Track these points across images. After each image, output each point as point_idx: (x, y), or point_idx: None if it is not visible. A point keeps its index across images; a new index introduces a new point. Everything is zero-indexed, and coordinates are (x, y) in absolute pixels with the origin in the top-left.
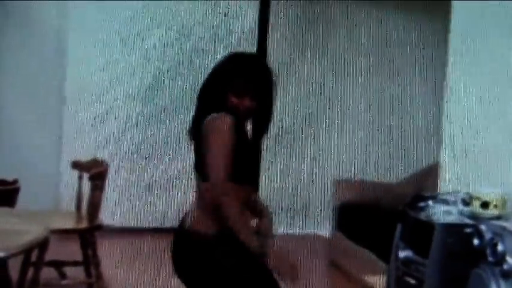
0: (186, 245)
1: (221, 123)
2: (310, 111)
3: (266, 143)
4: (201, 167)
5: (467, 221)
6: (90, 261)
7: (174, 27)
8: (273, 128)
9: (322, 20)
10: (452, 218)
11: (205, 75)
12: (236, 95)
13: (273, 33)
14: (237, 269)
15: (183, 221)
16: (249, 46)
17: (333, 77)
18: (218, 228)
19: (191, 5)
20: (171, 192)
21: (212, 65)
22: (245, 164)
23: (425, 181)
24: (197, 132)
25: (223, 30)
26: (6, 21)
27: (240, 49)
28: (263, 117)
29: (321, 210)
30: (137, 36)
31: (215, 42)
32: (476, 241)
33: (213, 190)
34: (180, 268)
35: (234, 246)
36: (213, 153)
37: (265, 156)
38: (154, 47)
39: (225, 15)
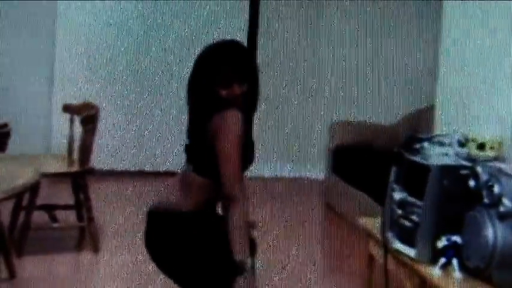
0: (161, 221)
1: (232, 121)
2: (304, 56)
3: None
4: (197, 160)
5: (463, 162)
6: (81, 205)
7: None
8: (265, 74)
9: None
10: (448, 160)
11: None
12: (224, 87)
13: None
14: (207, 246)
15: (159, 202)
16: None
17: (331, 26)
18: (196, 208)
19: None
20: (160, 136)
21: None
22: (247, 149)
23: (419, 122)
24: (201, 131)
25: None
26: None
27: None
28: (252, 97)
29: (315, 153)
30: None
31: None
32: (472, 183)
33: (230, 189)
34: (152, 242)
35: (209, 225)
36: (228, 153)
37: (260, 102)
38: None
39: None
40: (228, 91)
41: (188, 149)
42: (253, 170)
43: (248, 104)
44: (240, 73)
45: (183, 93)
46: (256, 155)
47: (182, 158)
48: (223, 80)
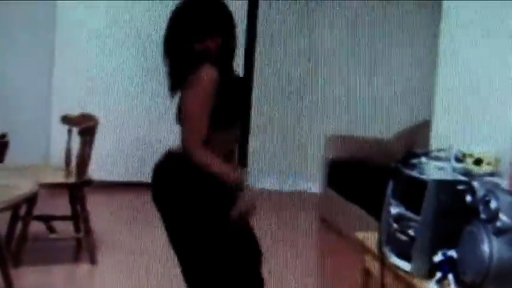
0: (167, 166)
1: (203, 78)
2: (300, 71)
3: (256, 102)
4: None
5: (460, 177)
6: (79, 216)
7: None
8: (263, 88)
9: None
10: (445, 175)
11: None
12: (199, 41)
13: None
14: (210, 195)
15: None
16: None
17: (326, 36)
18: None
19: None
20: (161, 147)
21: None
22: (230, 106)
23: (416, 137)
24: (178, 87)
25: None
26: None
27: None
28: (228, 48)
29: (311, 167)
30: None
31: None
32: (469, 198)
33: (187, 146)
34: (158, 190)
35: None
36: (192, 109)
37: (256, 116)
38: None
39: None
40: (203, 45)
41: (177, 111)
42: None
43: (226, 56)
44: (212, 26)
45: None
46: (252, 167)
47: None
48: (198, 34)
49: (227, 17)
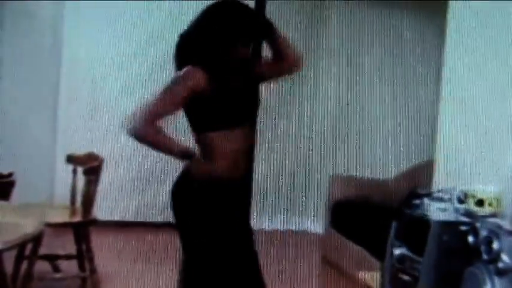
0: (182, 184)
1: (185, 76)
2: (303, 111)
3: (259, 141)
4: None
5: (463, 218)
6: (84, 255)
7: None
8: (267, 127)
9: (319, 20)
10: (448, 216)
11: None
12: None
13: None
14: (217, 218)
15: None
16: None
17: (330, 77)
18: (213, 175)
19: None
20: (165, 187)
21: None
22: (233, 109)
23: (419, 178)
24: None
25: None
26: (2, 13)
27: None
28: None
29: (314, 207)
30: (132, 27)
31: None
32: (471, 239)
33: (135, 119)
34: (175, 207)
35: (222, 195)
36: (155, 95)
37: (258, 155)
38: (149, 36)
39: None
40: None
41: None
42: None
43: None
44: (246, 36)
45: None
46: (255, 207)
47: None
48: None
49: (260, 25)
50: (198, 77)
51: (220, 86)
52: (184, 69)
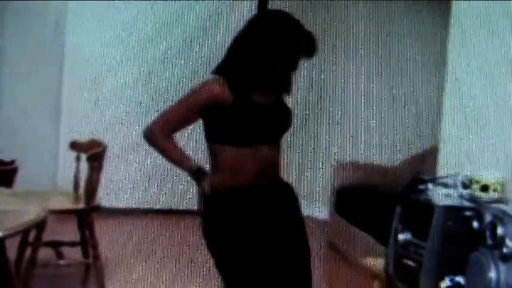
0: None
1: (202, 87)
2: (308, 97)
3: None
4: (206, 133)
5: (467, 204)
6: (87, 242)
7: None
8: None
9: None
10: (452, 201)
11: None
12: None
13: None
14: (242, 227)
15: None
16: None
17: (334, 64)
18: (231, 186)
19: None
20: (167, 174)
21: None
22: (251, 126)
23: (423, 164)
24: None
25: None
26: (6, 4)
27: None
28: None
29: (319, 193)
30: (137, 17)
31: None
32: (476, 224)
33: (150, 126)
34: (203, 224)
35: (244, 205)
36: (173, 103)
37: None
38: (154, 29)
39: None
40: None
41: None
42: None
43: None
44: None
45: (191, 131)
46: None
47: (191, 196)
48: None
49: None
50: (215, 89)
51: (241, 99)
52: (205, 79)
